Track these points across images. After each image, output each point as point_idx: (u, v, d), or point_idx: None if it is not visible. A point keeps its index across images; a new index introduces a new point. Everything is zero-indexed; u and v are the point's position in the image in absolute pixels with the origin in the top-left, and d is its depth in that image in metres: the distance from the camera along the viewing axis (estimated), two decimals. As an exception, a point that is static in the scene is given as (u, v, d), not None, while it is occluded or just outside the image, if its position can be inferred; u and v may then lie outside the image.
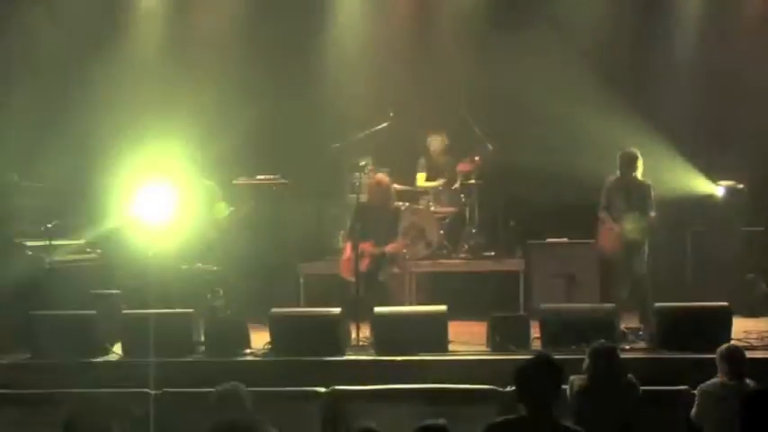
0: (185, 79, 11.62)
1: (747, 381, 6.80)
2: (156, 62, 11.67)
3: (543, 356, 5.39)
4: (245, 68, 11.73)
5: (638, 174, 9.61)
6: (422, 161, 11.79)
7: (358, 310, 9.10)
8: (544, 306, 9.03)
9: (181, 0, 12.12)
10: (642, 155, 9.61)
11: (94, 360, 8.84)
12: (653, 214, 9.58)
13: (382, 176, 10.38)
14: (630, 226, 9.53)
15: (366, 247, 9.81)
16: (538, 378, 5.08)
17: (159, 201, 9.26)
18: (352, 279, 9.50)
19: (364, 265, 9.73)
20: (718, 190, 10.73)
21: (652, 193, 9.65)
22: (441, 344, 8.68)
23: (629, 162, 9.59)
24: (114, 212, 10.27)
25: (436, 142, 11.68)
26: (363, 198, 10.23)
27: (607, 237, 9.82)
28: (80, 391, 7.64)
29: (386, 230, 10.02)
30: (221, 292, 9.58)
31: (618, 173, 9.67)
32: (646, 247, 9.66)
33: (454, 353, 8.71)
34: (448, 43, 11.91)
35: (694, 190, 10.75)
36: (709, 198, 10.81)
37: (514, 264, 11.09)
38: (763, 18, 11.37)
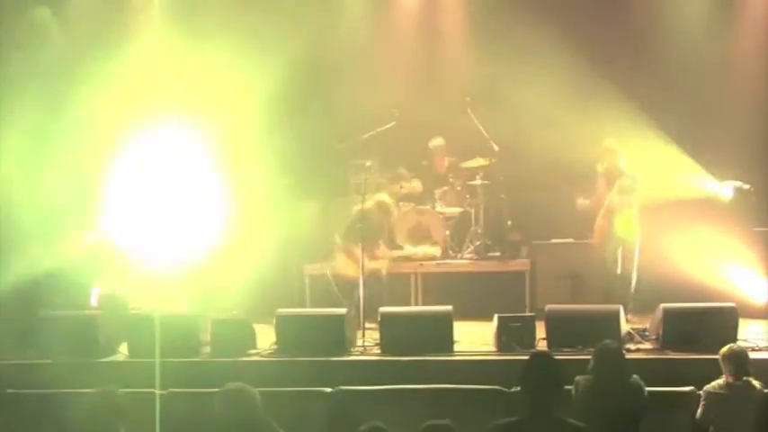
0: (187, 79, 11.63)
1: (753, 381, 6.79)
2: (158, 59, 11.66)
3: (543, 356, 5.40)
4: (248, 68, 11.73)
5: (623, 163, 9.82)
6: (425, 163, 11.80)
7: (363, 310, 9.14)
8: (550, 306, 9.03)
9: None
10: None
11: (100, 360, 8.86)
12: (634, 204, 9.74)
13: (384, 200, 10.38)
14: (614, 215, 9.74)
15: (378, 248, 9.92)
16: (539, 378, 5.10)
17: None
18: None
19: (384, 266, 9.88)
20: (725, 190, 10.64)
21: (636, 182, 9.79)
22: (446, 344, 8.68)
23: (611, 152, 9.86)
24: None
25: (437, 145, 11.68)
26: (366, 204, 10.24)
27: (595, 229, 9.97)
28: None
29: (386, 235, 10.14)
30: None
31: (603, 164, 9.84)
32: (636, 245, 9.75)
33: (460, 353, 8.71)
34: (453, 44, 11.90)
35: (701, 189, 10.69)
36: (716, 198, 10.73)
37: (520, 264, 11.08)
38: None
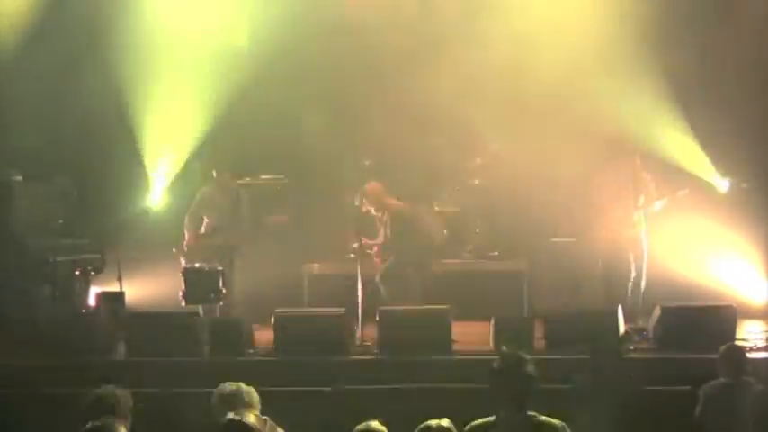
0: (190, 79, 11.66)
1: (751, 380, 6.79)
2: (163, 60, 11.69)
3: (514, 355, 5.42)
4: (250, 69, 11.74)
5: (640, 167, 9.67)
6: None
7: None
8: (548, 306, 9.02)
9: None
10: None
11: (98, 360, 8.85)
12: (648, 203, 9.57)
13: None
14: (620, 217, 9.59)
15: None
16: (511, 377, 5.12)
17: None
18: None
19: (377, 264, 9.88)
20: (722, 183, 10.55)
21: (653, 187, 9.64)
22: (444, 344, 8.68)
23: (629, 153, 9.66)
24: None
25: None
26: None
27: (599, 227, 9.87)
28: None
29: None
30: None
31: (620, 166, 9.73)
32: (644, 245, 9.65)
33: (458, 353, 8.71)
34: (452, 44, 11.88)
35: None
36: (712, 186, 10.64)
37: (518, 264, 11.07)
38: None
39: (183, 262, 9.99)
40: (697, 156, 10.49)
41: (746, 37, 10.93)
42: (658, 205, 9.66)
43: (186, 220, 10.39)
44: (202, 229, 10.39)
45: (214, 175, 10.44)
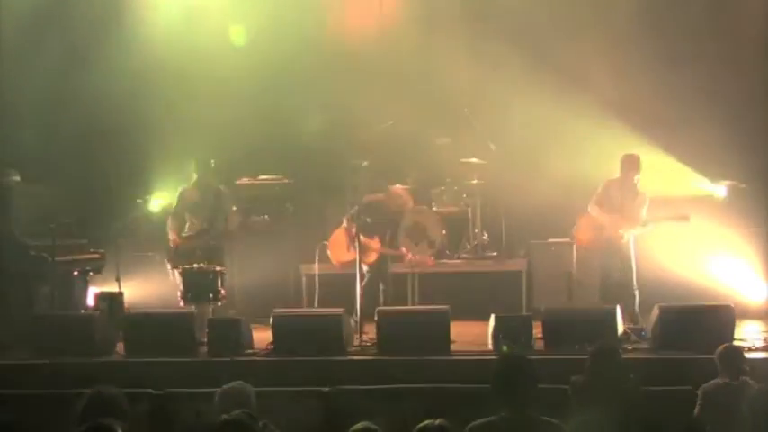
0: (188, 80, 11.66)
1: (749, 380, 6.79)
2: (163, 60, 11.69)
3: (517, 356, 5.42)
4: (249, 69, 11.74)
5: (638, 181, 9.60)
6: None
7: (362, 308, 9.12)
8: (547, 306, 9.03)
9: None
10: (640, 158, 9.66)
11: (96, 360, 8.85)
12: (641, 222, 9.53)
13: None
14: (611, 226, 9.58)
15: (373, 243, 9.87)
16: (514, 378, 5.12)
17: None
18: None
19: (370, 260, 9.80)
20: (718, 189, 10.59)
21: (646, 204, 9.59)
22: (443, 344, 8.68)
23: (630, 165, 9.61)
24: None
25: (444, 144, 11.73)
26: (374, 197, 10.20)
27: (584, 230, 9.83)
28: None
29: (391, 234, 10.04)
30: None
31: (618, 175, 9.70)
32: (630, 249, 9.62)
33: (456, 353, 8.71)
34: (453, 44, 11.89)
35: (695, 188, 10.63)
36: (710, 196, 10.68)
37: (517, 264, 11.07)
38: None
39: (168, 266, 9.93)
40: (685, 175, 10.55)
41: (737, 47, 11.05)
42: (648, 228, 9.59)
43: (169, 221, 10.23)
44: (186, 230, 10.25)
45: (194, 175, 10.30)
